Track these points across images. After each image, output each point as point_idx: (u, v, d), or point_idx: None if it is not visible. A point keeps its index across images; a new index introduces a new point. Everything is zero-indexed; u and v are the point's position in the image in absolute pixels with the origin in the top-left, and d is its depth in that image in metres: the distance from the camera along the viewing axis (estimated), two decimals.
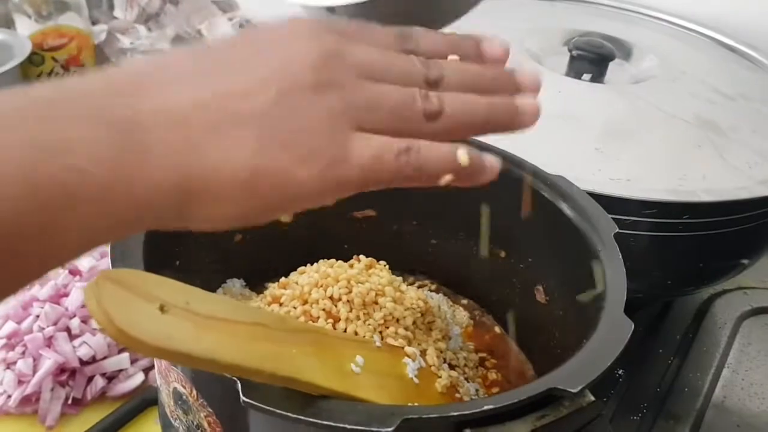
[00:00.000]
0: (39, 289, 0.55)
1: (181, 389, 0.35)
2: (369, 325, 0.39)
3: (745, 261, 0.58)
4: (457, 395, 0.39)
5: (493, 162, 0.29)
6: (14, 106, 0.22)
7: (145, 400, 0.52)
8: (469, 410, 0.28)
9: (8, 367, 0.51)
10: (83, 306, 0.53)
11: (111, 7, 0.94)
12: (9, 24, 0.82)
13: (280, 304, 0.41)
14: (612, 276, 0.37)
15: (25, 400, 0.50)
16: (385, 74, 0.27)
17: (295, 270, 0.45)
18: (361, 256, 0.44)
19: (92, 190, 0.22)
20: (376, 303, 0.40)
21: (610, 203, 0.43)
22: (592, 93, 0.61)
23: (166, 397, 0.37)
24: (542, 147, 0.51)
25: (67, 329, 0.53)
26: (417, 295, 0.42)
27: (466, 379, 0.42)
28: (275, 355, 0.29)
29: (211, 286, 0.45)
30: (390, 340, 0.38)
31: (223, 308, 0.29)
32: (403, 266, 0.49)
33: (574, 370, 0.30)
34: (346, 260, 0.44)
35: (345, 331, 0.39)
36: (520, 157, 0.44)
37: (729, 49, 0.73)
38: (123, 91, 0.24)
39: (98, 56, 0.89)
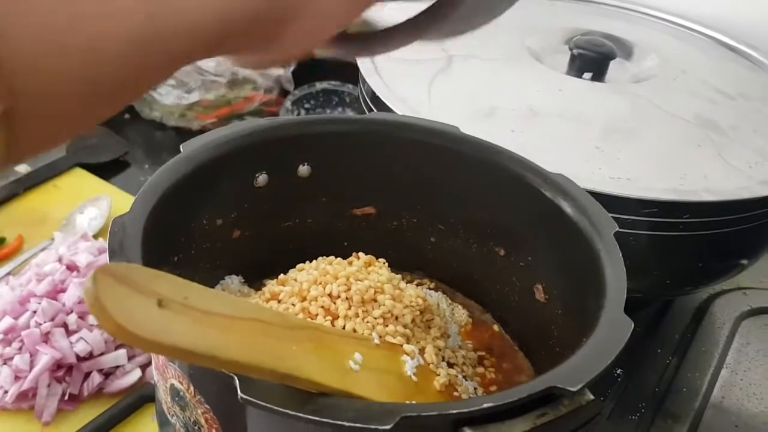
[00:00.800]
0: (36, 285, 0.54)
1: (178, 385, 0.35)
2: (368, 322, 0.39)
3: (745, 261, 0.58)
4: (456, 393, 0.39)
5: None
6: None
7: (142, 396, 0.52)
8: (468, 408, 0.28)
9: (5, 363, 0.51)
10: (80, 302, 0.53)
11: None
12: None
13: (279, 301, 0.41)
14: (612, 275, 0.37)
15: (22, 396, 0.50)
16: None
17: (294, 267, 0.44)
18: (361, 254, 0.44)
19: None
20: (375, 300, 0.40)
21: (610, 202, 0.43)
22: (592, 92, 0.61)
23: (163, 394, 0.37)
24: (543, 145, 0.52)
25: (64, 325, 0.53)
26: (416, 292, 0.42)
27: (465, 377, 0.42)
28: (274, 351, 0.29)
29: (209, 282, 0.45)
30: (389, 338, 0.38)
31: (222, 304, 0.28)
32: (403, 264, 0.49)
33: (573, 369, 0.30)
34: (345, 257, 0.43)
35: (344, 328, 0.38)
36: (520, 155, 0.44)
37: (729, 48, 0.73)
38: None
39: None
